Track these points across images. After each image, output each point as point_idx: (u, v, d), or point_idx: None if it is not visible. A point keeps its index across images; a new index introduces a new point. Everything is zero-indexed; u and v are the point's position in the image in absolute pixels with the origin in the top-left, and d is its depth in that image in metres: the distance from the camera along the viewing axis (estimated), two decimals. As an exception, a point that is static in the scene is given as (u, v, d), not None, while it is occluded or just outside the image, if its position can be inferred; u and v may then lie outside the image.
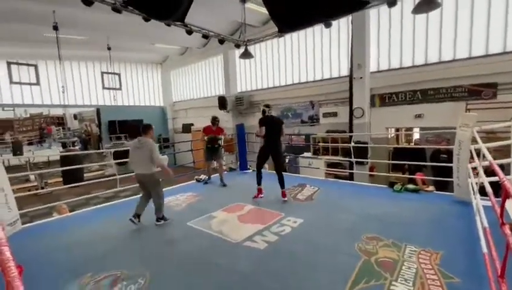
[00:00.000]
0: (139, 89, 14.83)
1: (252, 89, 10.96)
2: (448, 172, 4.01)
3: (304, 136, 8.89)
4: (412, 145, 7.34)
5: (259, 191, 4.49)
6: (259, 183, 4.48)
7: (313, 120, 8.88)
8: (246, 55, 7.36)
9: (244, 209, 4.03)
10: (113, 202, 4.87)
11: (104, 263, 2.50)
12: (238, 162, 7.09)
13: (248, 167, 6.91)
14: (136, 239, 3.21)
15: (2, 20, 7.18)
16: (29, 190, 8.11)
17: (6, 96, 11.12)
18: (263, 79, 10.58)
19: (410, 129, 7.50)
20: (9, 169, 3.12)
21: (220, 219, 3.70)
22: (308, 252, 2.72)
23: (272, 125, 4.30)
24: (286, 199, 4.31)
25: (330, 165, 7.54)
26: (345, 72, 8.06)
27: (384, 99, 7.22)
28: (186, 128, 13.46)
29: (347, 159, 6.39)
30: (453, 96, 6.18)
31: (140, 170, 3.52)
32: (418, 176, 4.70)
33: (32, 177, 9.05)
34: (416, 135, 7.44)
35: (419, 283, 2.12)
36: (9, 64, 8.84)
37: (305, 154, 8.32)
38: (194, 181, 6.03)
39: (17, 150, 11.71)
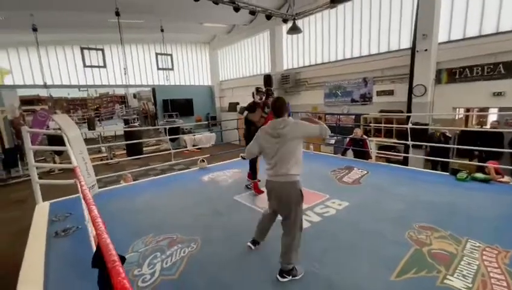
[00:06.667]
0: (189, 69, 15.53)
1: (299, 66, 10.54)
2: (533, 161, 3.39)
3: (353, 116, 8.36)
4: (487, 128, 6.32)
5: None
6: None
7: (365, 99, 8.23)
8: (294, 30, 7.04)
9: (287, 188, 4.07)
10: (169, 174, 5.38)
11: (162, 227, 2.84)
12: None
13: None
14: (189, 209, 3.51)
15: (74, 9, 8.10)
16: (101, 160, 9.47)
17: (81, 78, 12.85)
18: (311, 55, 10.04)
19: (485, 110, 6.42)
20: (85, 141, 3.69)
21: (264, 195, 3.81)
22: (351, 236, 2.65)
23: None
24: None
25: (382, 147, 7.02)
26: (406, 44, 7.15)
27: (453, 75, 6.25)
28: (232, 107, 13.79)
29: (402, 142, 5.85)
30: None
31: (279, 173, 2.02)
32: (491, 164, 4.05)
33: (103, 149, 10.50)
34: (492, 117, 6.36)
35: (479, 281, 1.92)
36: (82, 49, 10.06)
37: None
38: (240, 158, 6.25)
39: (91, 125, 13.61)
